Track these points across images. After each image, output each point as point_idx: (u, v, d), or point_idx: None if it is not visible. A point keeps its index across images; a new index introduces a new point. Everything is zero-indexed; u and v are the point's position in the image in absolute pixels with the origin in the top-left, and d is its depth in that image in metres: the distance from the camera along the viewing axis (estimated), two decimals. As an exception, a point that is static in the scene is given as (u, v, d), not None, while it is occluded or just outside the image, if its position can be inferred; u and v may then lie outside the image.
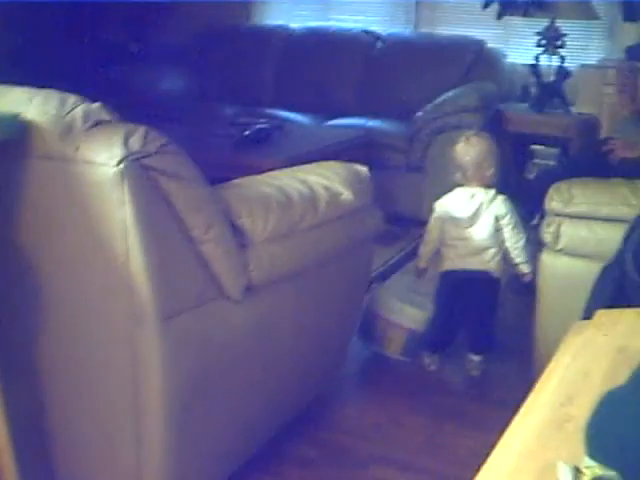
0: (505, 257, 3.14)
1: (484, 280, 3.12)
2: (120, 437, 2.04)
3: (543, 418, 1.10)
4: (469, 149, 3.12)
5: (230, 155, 4.02)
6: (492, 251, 3.10)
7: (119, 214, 1.80)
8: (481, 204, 3.08)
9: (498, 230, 3.10)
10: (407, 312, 3.20)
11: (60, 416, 2.12)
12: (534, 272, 2.94)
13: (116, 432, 2.05)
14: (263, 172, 2.54)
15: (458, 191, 3.15)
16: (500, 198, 3.10)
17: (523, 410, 1.10)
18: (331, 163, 2.67)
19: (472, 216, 3.08)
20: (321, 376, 2.88)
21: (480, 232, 3.09)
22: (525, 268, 3.12)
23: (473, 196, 3.09)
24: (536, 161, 5.11)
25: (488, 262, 3.11)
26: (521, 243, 3.10)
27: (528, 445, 1.03)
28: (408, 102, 5.21)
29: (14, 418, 1.91)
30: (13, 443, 1.92)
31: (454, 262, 3.15)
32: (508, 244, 3.10)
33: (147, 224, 1.83)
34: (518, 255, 3.11)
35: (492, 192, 3.11)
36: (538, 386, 1.17)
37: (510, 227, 3.08)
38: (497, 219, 3.08)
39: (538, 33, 4.96)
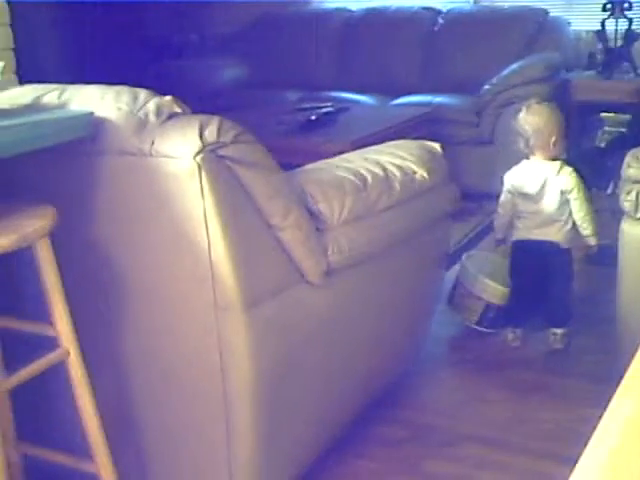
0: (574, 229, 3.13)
1: (552, 250, 3.11)
2: (209, 424, 2.06)
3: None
4: (531, 119, 3.09)
5: (298, 140, 4.03)
6: (559, 224, 3.10)
7: (198, 205, 1.81)
8: (546, 179, 3.07)
9: (565, 203, 3.08)
10: (488, 286, 3.22)
11: (147, 408, 2.14)
12: (615, 242, 2.89)
13: (205, 420, 2.07)
14: (332, 156, 2.54)
15: (524, 164, 3.13)
16: (566, 171, 3.08)
17: (624, 382, 1.07)
18: (403, 142, 2.66)
19: (539, 191, 3.08)
20: (403, 355, 2.87)
21: (547, 206, 3.09)
22: (592, 240, 3.11)
23: (539, 171, 3.07)
24: (607, 129, 5.00)
25: (556, 234, 3.11)
26: (588, 216, 3.08)
27: (634, 422, 1.00)
28: (473, 76, 5.16)
29: (104, 412, 1.95)
30: (106, 436, 1.95)
31: (523, 233, 3.16)
32: (576, 217, 3.08)
33: (226, 214, 1.83)
34: (586, 227, 3.09)
35: (558, 165, 3.08)
36: (638, 356, 1.14)
37: (577, 201, 3.07)
38: (563, 193, 3.06)
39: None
